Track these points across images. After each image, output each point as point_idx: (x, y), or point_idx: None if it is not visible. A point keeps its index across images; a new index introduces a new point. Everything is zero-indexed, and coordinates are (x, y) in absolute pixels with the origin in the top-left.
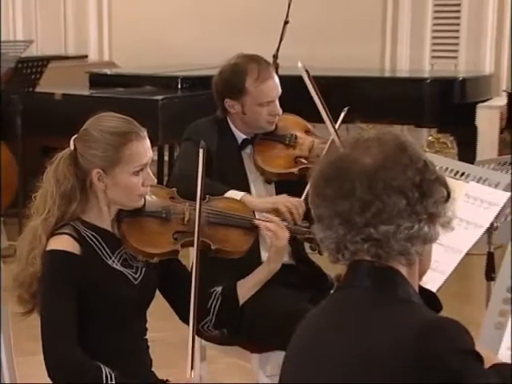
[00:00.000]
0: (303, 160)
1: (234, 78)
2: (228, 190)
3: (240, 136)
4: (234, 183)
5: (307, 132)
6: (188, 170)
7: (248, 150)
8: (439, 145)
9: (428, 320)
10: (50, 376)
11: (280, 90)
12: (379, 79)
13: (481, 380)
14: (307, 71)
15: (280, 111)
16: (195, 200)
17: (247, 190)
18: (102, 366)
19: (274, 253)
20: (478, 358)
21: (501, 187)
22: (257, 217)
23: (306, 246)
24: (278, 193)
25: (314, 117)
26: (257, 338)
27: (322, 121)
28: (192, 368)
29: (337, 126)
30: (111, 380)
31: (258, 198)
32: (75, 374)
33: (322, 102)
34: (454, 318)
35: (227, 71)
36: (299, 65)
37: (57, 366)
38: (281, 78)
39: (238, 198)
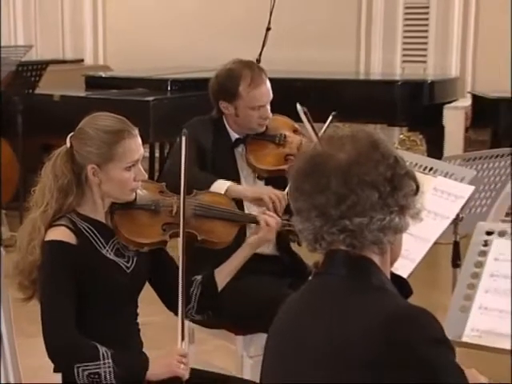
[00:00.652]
0: (292, 158)
1: (229, 83)
2: (216, 180)
3: (233, 135)
4: (227, 179)
5: (295, 131)
6: (178, 166)
7: (240, 148)
8: (410, 142)
9: (399, 308)
10: (50, 357)
11: (271, 96)
12: (354, 82)
13: (451, 368)
14: (305, 112)
15: (270, 115)
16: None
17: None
18: (98, 345)
19: (258, 243)
20: (449, 346)
21: (466, 181)
22: (245, 207)
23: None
24: None
25: (293, 116)
26: (242, 322)
27: (301, 120)
28: (183, 339)
29: (323, 129)
30: (107, 358)
31: (243, 186)
32: (73, 353)
33: (317, 136)
34: (424, 307)
35: (223, 75)
36: (298, 107)
37: (56, 347)
38: None
39: (226, 187)
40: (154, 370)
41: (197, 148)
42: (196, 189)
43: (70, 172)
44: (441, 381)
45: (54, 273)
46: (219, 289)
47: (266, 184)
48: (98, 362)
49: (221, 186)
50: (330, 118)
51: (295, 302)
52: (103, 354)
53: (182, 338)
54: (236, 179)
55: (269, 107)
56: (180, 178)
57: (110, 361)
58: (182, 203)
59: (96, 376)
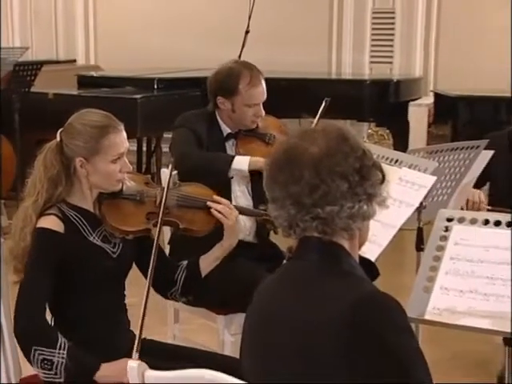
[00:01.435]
0: None
1: (229, 80)
2: (234, 156)
3: (225, 129)
4: None
5: (283, 132)
6: (188, 152)
7: (231, 142)
8: (377, 136)
9: (366, 294)
10: (14, 335)
11: (265, 96)
12: (326, 81)
13: (413, 354)
14: None
15: (263, 113)
16: (195, 177)
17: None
18: (59, 335)
19: (226, 231)
20: (411, 333)
21: (428, 172)
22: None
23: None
24: (252, 181)
25: (273, 113)
26: (223, 302)
27: (280, 117)
28: (137, 350)
29: (318, 114)
30: (63, 349)
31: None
32: (34, 336)
33: None
34: (389, 292)
35: (223, 73)
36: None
37: (21, 326)
38: None
39: (248, 160)
40: (104, 372)
41: (195, 138)
42: (217, 168)
43: (59, 164)
44: (404, 366)
45: (38, 258)
46: (203, 275)
47: (251, 178)
48: (53, 350)
49: (244, 159)
50: (324, 103)
51: (271, 284)
52: (60, 345)
53: (137, 350)
54: None
55: (261, 106)
56: (193, 161)
57: (65, 352)
58: (161, 217)
59: (49, 363)
